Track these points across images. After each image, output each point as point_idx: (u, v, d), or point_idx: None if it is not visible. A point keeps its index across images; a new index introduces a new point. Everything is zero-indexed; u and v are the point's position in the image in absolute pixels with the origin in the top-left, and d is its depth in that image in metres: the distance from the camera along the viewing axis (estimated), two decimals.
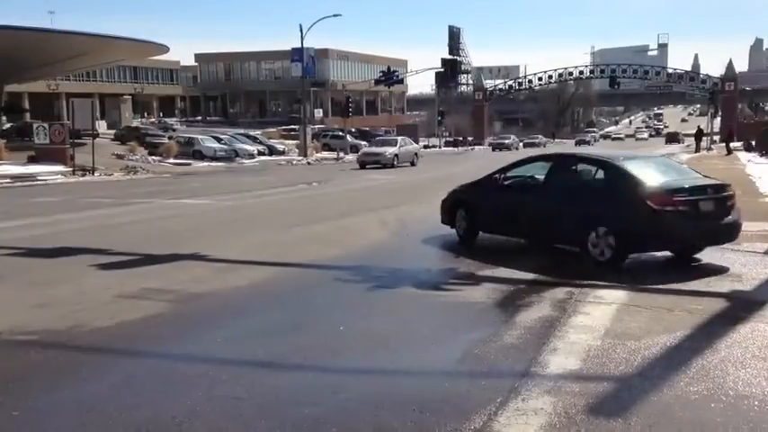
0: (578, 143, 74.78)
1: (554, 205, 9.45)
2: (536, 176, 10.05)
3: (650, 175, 9.03)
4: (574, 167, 9.96)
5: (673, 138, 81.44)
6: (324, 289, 8.14)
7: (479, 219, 10.82)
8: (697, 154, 45.00)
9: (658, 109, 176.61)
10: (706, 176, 9.82)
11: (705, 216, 8.73)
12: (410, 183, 25.20)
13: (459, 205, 11.29)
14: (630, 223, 8.58)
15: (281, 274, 9.13)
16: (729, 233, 9.02)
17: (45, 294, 7.83)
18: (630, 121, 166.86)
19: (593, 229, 8.84)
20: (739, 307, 6.91)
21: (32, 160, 31.51)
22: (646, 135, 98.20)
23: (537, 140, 77.14)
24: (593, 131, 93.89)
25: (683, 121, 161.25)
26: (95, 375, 5.26)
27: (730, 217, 8.96)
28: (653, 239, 8.70)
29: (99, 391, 4.93)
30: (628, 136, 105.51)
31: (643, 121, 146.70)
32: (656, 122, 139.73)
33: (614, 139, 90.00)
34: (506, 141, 71.01)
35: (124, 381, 5.14)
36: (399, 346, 5.92)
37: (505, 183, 10.48)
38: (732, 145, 44.76)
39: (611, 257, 8.71)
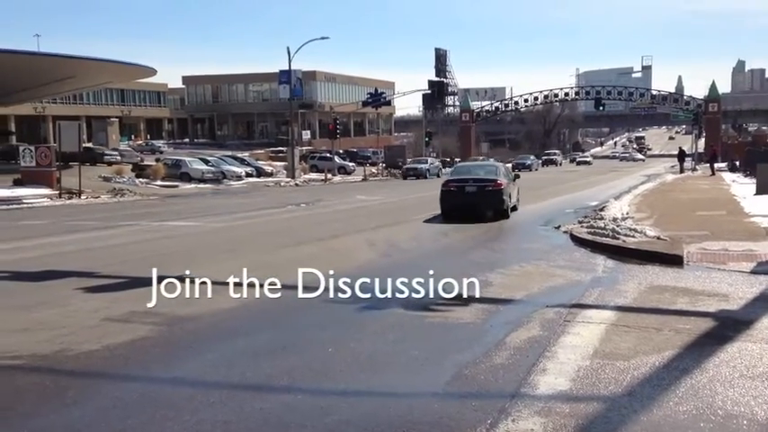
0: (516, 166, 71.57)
1: None
2: None
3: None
4: None
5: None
6: (312, 310, 8.10)
7: None
8: (682, 174, 45.41)
9: (642, 131, 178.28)
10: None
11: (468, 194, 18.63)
12: (397, 204, 25.23)
13: None
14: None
15: (270, 295, 9.06)
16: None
17: (30, 318, 7.75)
18: (615, 143, 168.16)
19: None
20: (727, 326, 6.94)
21: (18, 183, 31.33)
22: (589, 159, 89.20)
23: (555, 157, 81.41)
24: (556, 152, 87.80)
25: (671, 139, 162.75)
26: (82, 400, 5.20)
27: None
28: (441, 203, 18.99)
29: (85, 416, 4.88)
30: (604, 157, 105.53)
31: (623, 145, 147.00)
32: (634, 147, 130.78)
33: (579, 162, 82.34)
34: (527, 162, 70.35)
35: (111, 405, 5.09)
36: (389, 368, 5.89)
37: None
38: (716, 165, 45.17)
39: None
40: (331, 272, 10.50)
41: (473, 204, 18.50)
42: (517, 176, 22.01)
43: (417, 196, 29.12)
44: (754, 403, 4.87)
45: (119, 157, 46.12)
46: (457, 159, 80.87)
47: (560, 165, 78.52)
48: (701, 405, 4.82)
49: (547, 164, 77.14)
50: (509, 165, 38.47)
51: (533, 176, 48.98)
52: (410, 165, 53.09)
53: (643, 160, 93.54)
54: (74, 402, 5.14)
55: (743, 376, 5.43)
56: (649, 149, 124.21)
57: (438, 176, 45.04)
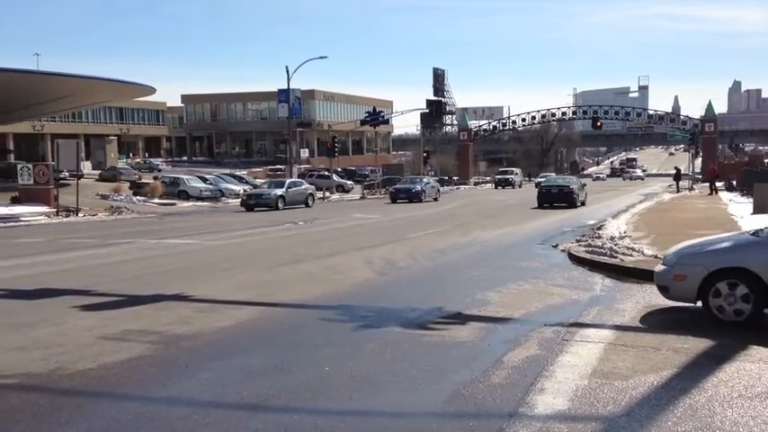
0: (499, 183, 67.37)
1: None
2: None
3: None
4: None
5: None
6: (310, 329, 8.07)
7: None
8: (679, 194, 45.49)
9: (639, 150, 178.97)
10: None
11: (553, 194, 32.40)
12: (394, 222, 25.24)
13: None
14: None
15: (267, 313, 9.06)
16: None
17: (26, 336, 7.71)
18: (612, 162, 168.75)
19: None
20: (725, 346, 6.92)
21: (16, 201, 31.31)
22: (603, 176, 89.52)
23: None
24: (515, 171, 76.40)
25: (671, 155, 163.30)
26: (76, 419, 5.16)
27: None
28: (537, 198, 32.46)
29: None
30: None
31: (620, 164, 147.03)
32: (626, 167, 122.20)
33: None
34: (509, 177, 68.14)
35: (106, 425, 5.04)
36: (386, 387, 5.86)
37: None
38: (716, 184, 45.15)
39: None
40: (328, 290, 10.54)
41: (556, 199, 32.45)
42: (584, 184, 37.27)
43: (414, 215, 29.15)
44: (753, 423, 4.84)
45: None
46: (455, 178, 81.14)
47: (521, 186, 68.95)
48: (700, 425, 4.79)
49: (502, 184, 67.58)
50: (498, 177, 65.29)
51: (525, 194, 49.05)
52: (401, 185, 43.57)
53: (642, 179, 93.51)
54: (68, 422, 5.10)
55: (741, 396, 5.40)
56: (644, 170, 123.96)
57: (436, 200, 42.24)
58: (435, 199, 42.60)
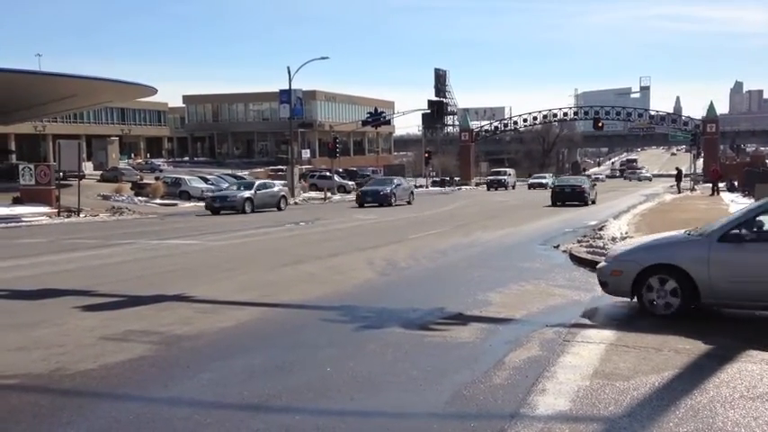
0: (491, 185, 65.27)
1: None
2: None
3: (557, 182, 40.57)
4: None
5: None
6: (311, 329, 8.07)
7: None
8: (680, 195, 45.45)
9: (640, 150, 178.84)
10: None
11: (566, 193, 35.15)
12: (395, 223, 25.24)
13: None
14: None
15: (269, 314, 9.06)
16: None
17: (27, 337, 7.71)
18: (613, 163, 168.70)
19: None
20: (726, 346, 6.91)
21: (17, 201, 31.33)
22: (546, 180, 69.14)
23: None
24: (508, 171, 72.24)
25: (673, 155, 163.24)
26: (77, 420, 5.16)
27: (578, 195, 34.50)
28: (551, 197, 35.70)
29: None
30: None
31: (621, 165, 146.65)
32: (628, 168, 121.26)
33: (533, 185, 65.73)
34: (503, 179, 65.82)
35: (107, 425, 5.04)
36: (387, 388, 5.85)
37: None
38: (719, 185, 45.08)
39: None
40: (330, 291, 10.54)
41: (568, 198, 34.76)
42: (595, 184, 40.80)
43: (414, 216, 29.14)
44: (755, 424, 4.83)
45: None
46: (456, 178, 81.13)
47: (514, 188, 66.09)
48: (701, 426, 4.79)
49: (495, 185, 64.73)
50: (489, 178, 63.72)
51: (524, 196, 49.10)
52: (368, 187, 39.92)
53: (649, 179, 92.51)
54: (69, 422, 5.09)
55: (743, 397, 5.39)
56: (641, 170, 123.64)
57: (410, 203, 38.88)
58: (408, 202, 39.24)
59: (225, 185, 45.31)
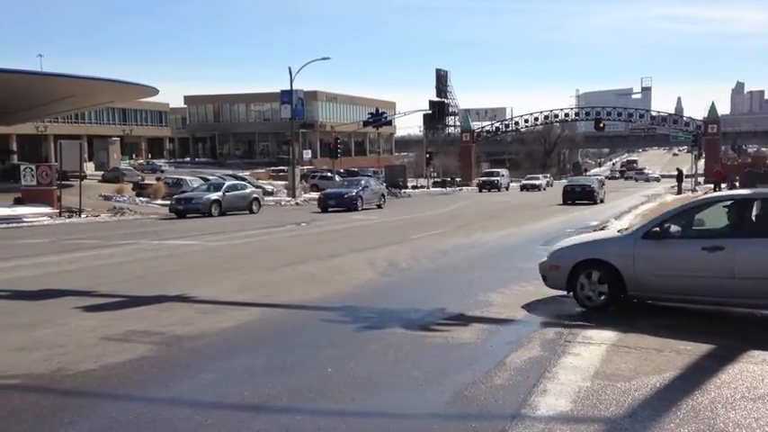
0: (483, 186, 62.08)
1: None
2: None
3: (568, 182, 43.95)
4: None
5: None
6: (312, 330, 8.07)
7: None
8: (681, 195, 45.41)
9: (642, 151, 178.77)
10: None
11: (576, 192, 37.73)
12: (396, 223, 25.23)
13: None
14: None
15: (269, 314, 9.07)
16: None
17: (28, 337, 7.72)
18: (614, 164, 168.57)
19: None
20: (727, 347, 6.91)
21: (19, 202, 31.34)
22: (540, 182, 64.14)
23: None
24: (500, 172, 68.22)
25: (675, 155, 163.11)
26: (78, 420, 5.16)
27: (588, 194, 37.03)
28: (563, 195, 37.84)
29: None
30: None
31: (621, 165, 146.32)
32: (627, 170, 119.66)
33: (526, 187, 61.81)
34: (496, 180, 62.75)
35: (108, 425, 5.05)
36: (388, 388, 5.85)
37: None
38: (722, 186, 45.02)
39: None
40: (330, 291, 10.54)
41: (579, 197, 36.96)
42: (603, 183, 43.17)
43: (417, 216, 29.13)
44: (756, 425, 4.83)
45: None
46: (457, 179, 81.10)
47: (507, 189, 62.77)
48: (703, 427, 4.78)
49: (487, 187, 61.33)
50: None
51: (522, 197, 49.06)
52: (332, 189, 36.95)
53: (658, 180, 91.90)
54: (70, 423, 5.10)
55: (744, 398, 5.39)
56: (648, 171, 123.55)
57: (380, 207, 35.21)
58: (379, 206, 35.36)
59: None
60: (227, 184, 33.52)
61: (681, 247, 8.45)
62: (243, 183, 35.82)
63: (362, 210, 32.76)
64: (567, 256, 9.25)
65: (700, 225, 8.72)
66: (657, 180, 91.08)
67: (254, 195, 33.46)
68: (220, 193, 31.11)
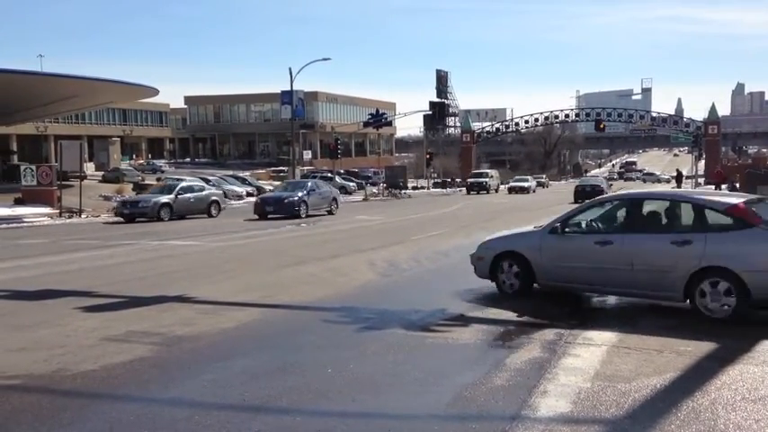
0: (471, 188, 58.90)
1: None
2: None
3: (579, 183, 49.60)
4: None
5: None
6: (312, 330, 8.07)
7: None
8: None
9: (642, 152, 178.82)
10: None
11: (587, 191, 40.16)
12: (397, 224, 25.23)
13: None
14: None
15: (270, 315, 9.06)
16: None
17: (28, 337, 7.71)
18: (614, 165, 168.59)
19: None
20: (728, 348, 6.90)
21: (19, 202, 31.36)
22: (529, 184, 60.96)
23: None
24: (489, 173, 65.40)
25: (676, 156, 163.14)
26: (78, 420, 5.16)
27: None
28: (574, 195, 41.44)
29: None
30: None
31: (620, 167, 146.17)
32: (625, 171, 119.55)
33: (514, 189, 59.26)
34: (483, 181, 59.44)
35: (108, 426, 5.04)
36: (388, 389, 5.85)
37: None
38: (722, 187, 44.95)
39: None
40: (331, 292, 10.53)
41: (589, 195, 34.60)
42: (611, 183, 50.05)
43: (418, 216, 29.12)
44: (757, 427, 4.82)
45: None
46: (458, 180, 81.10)
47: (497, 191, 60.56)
48: (703, 428, 4.78)
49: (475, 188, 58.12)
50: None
51: (519, 198, 49.04)
52: (270, 194, 32.98)
53: (668, 181, 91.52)
54: (70, 423, 5.10)
55: (745, 399, 5.38)
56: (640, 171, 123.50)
57: (331, 213, 30.73)
58: (329, 212, 30.81)
59: (227, 187, 44.77)
60: (182, 185, 30.93)
61: (577, 241, 9.40)
62: (201, 185, 32.77)
63: (307, 217, 28.39)
64: (489, 249, 10.36)
65: (595, 222, 9.63)
66: (668, 181, 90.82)
67: (213, 198, 30.93)
68: (172, 196, 28.87)
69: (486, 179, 60.48)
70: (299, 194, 29.30)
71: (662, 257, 8.45)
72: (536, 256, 9.65)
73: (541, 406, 5.25)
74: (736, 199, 8.81)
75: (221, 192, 33.67)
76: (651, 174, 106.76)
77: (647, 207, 9.37)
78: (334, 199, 32.05)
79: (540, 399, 5.41)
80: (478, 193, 56.84)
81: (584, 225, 9.62)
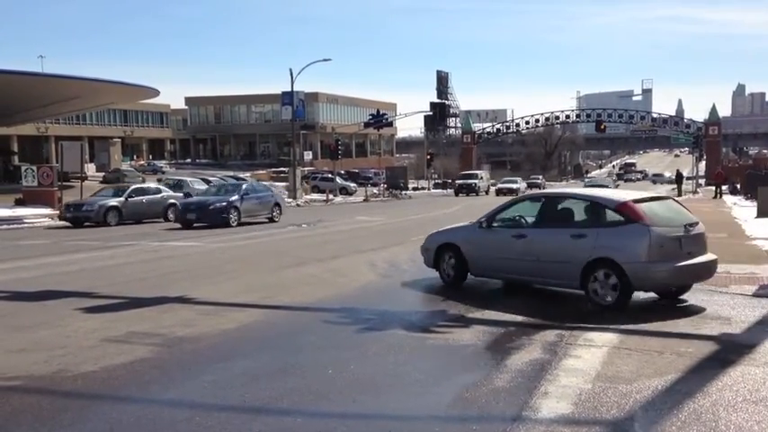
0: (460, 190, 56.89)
1: None
2: None
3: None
4: None
5: None
6: (313, 332, 8.06)
7: None
8: (682, 197, 45.35)
9: (643, 153, 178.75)
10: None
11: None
12: (398, 225, 25.21)
13: None
14: None
15: (270, 316, 9.06)
16: None
17: (28, 338, 7.71)
18: (614, 166, 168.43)
19: None
20: (729, 350, 6.90)
21: (20, 203, 31.36)
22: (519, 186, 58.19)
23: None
24: (479, 174, 63.37)
25: (677, 156, 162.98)
26: (78, 421, 5.16)
27: None
28: None
29: None
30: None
31: (620, 168, 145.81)
32: (624, 172, 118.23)
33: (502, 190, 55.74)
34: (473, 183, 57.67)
35: (108, 427, 5.04)
36: (389, 390, 5.84)
37: None
38: (722, 188, 44.91)
39: None
40: (331, 293, 10.53)
41: None
42: (618, 184, 52.23)
43: (419, 217, 29.11)
44: (758, 428, 4.82)
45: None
46: (458, 181, 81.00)
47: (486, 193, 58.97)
48: (704, 430, 4.77)
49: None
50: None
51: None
52: (193, 199, 27.47)
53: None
54: (70, 424, 5.09)
55: (746, 400, 5.38)
56: (644, 173, 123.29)
57: (272, 220, 26.36)
58: (271, 219, 26.58)
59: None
60: (134, 187, 28.88)
61: (500, 234, 10.31)
62: (157, 187, 30.04)
63: (239, 225, 24.31)
64: (433, 241, 11.46)
65: (516, 217, 10.50)
66: (669, 182, 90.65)
67: (171, 201, 28.01)
68: (121, 199, 26.68)
69: (476, 180, 58.50)
70: (230, 199, 25.15)
71: (563, 250, 9.32)
72: (468, 249, 10.67)
73: (542, 407, 5.24)
74: (630, 197, 9.47)
75: (181, 195, 30.56)
76: (659, 175, 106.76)
77: (557, 204, 10.25)
78: (277, 204, 27.79)
79: (541, 400, 5.40)
80: (467, 195, 55.11)
81: (506, 220, 10.53)
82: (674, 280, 9.07)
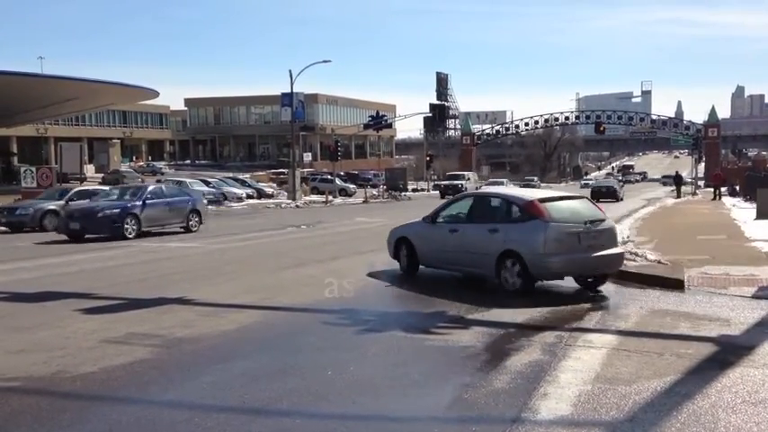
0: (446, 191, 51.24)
1: None
2: None
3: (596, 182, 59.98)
4: None
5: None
6: (312, 333, 8.06)
7: None
8: (681, 199, 45.38)
9: (642, 155, 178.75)
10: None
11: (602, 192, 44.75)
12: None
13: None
14: None
15: (270, 317, 9.05)
16: None
17: (28, 339, 7.70)
18: (613, 167, 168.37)
19: None
20: (728, 351, 6.90)
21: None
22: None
23: None
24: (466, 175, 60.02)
25: (676, 157, 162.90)
26: (78, 422, 5.15)
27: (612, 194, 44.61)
28: (590, 195, 33.82)
29: None
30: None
31: (618, 170, 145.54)
32: (623, 174, 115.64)
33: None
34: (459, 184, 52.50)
35: (108, 428, 5.04)
36: (388, 391, 5.84)
37: None
38: (722, 190, 44.90)
39: None
40: (331, 294, 10.52)
41: (604, 196, 42.47)
42: (623, 184, 54.19)
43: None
44: (757, 430, 4.82)
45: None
46: (444, 182, 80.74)
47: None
48: (704, 431, 4.77)
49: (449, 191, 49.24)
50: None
51: None
52: (79, 204, 22.22)
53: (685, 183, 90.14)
54: (70, 425, 5.09)
55: (745, 402, 5.38)
56: (644, 175, 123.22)
57: (188, 230, 21.69)
58: (186, 228, 21.90)
59: (227, 189, 44.81)
60: (76, 190, 25.79)
61: (441, 229, 11.53)
62: (107, 190, 24.42)
63: (138, 237, 19.94)
64: (393, 235, 12.77)
65: (454, 213, 11.70)
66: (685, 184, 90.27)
67: (191, 208, 22.93)
68: (61, 202, 23.52)
69: (462, 181, 54.14)
70: (128, 204, 20.49)
71: (483, 242, 10.52)
72: (418, 242, 11.99)
73: (542, 408, 5.24)
74: (537, 196, 10.64)
75: (205, 201, 26.67)
76: (669, 176, 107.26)
77: (482, 202, 11.64)
78: (195, 211, 22.60)
79: (541, 401, 5.40)
80: (453, 196, 51.59)
81: (446, 217, 11.76)
82: (570, 270, 10.21)
